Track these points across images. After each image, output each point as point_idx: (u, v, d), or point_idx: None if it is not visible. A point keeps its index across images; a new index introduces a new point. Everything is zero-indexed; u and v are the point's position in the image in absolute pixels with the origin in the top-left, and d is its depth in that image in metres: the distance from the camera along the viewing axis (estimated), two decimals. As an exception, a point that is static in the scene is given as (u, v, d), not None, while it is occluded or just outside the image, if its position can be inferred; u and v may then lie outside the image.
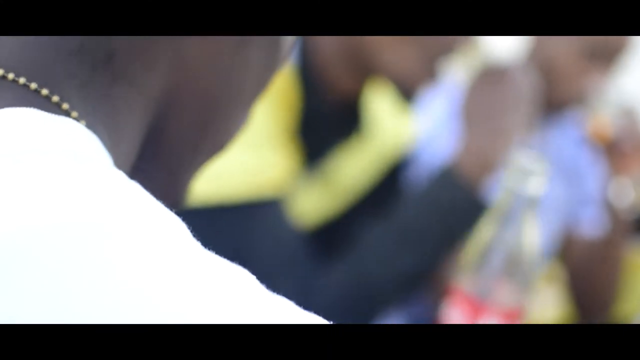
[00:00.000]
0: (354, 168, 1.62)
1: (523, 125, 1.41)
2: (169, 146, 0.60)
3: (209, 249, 1.40)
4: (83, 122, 0.51)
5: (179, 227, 0.44)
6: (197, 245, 0.44)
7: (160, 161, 0.60)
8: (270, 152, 1.42)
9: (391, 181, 1.70)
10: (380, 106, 1.69)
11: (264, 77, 0.62)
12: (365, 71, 1.49)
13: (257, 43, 0.60)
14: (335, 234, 1.61)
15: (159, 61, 0.55)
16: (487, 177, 1.38)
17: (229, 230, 1.39)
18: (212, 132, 0.61)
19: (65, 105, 0.50)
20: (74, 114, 0.51)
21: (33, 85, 0.50)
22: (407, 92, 1.48)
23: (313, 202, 1.57)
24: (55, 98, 0.50)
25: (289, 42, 0.63)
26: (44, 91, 0.50)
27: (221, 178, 1.37)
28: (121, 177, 0.46)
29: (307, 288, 1.40)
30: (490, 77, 1.41)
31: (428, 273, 1.39)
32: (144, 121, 0.57)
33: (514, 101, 1.40)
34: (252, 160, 1.39)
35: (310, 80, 1.51)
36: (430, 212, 1.37)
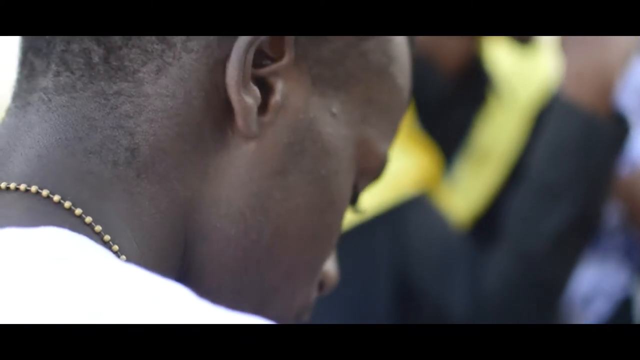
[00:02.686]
0: (499, 135, 1.53)
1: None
2: (208, 275, 0.59)
3: (370, 268, 1.41)
4: (98, 227, 0.53)
5: (181, 299, 0.45)
6: (204, 307, 0.45)
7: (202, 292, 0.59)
8: (399, 155, 1.40)
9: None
10: (504, 59, 1.59)
11: (313, 215, 0.60)
12: None
13: (298, 176, 0.59)
14: (495, 212, 1.52)
15: (188, 165, 0.56)
16: (609, 94, 1.26)
17: (383, 240, 1.39)
18: (257, 269, 0.59)
19: (78, 211, 0.52)
20: (88, 219, 0.52)
21: (45, 192, 0.52)
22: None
23: (470, 188, 1.50)
24: (67, 204, 0.52)
25: (343, 181, 0.61)
26: (56, 197, 0.52)
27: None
28: (111, 265, 0.47)
29: (477, 278, 1.37)
30: None
31: (589, 219, 1.30)
32: (172, 223, 0.56)
33: None
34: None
35: (415, 64, 1.45)
36: (561, 157, 1.27)
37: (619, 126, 1.25)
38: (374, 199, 1.36)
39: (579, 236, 1.32)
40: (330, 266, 0.66)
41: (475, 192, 1.52)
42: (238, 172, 0.57)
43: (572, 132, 1.25)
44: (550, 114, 1.31)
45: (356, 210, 0.65)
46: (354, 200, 0.65)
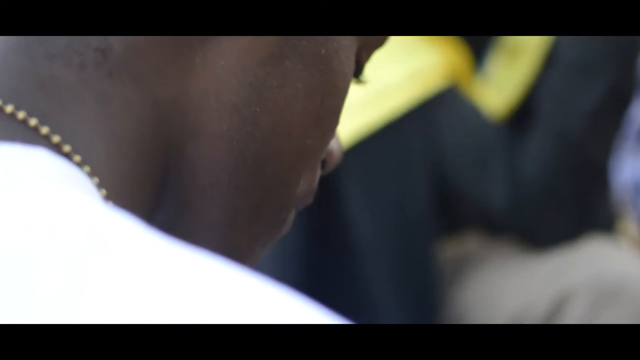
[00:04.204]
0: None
1: None
2: (199, 187, 0.54)
3: (405, 167, 1.39)
4: (57, 137, 0.48)
5: (126, 231, 0.41)
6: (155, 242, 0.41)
7: (193, 212, 0.55)
8: (426, 50, 1.39)
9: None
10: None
11: (314, 99, 0.56)
12: None
13: (296, 59, 0.54)
14: (531, 104, 1.52)
15: (168, 63, 0.51)
16: None
17: (416, 136, 1.39)
18: (256, 162, 0.55)
19: (33, 121, 0.48)
20: (44, 130, 0.48)
21: (9, 109, 0.48)
22: None
23: (504, 81, 1.49)
24: (21, 114, 0.48)
25: (345, 59, 0.57)
26: (9, 108, 0.48)
27: (390, 95, 1.36)
28: (56, 194, 0.43)
29: (515, 166, 1.37)
30: None
31: (624, 94, 1.28)
32: (152, 126, 0.52)
33: None
34: (412, 65, 1.37)
35: None
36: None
37: None
38: (404, 95, 1.36)
39: (615, 112, 1.31)
40: (333, 143, 0.63)
41: (509, 85, 1.50)
42: (228, 63, 0.52)
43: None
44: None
45: (360, 82, 0.62)
46: (357, 72, 0.60)
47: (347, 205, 1.42)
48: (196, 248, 0.54)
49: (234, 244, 0.57)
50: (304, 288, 1.42)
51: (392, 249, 1.44)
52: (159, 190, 0.54)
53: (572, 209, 1.41)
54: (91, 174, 0.49)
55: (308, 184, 0.59)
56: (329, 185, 1.41)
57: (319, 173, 0.61)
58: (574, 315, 1.37)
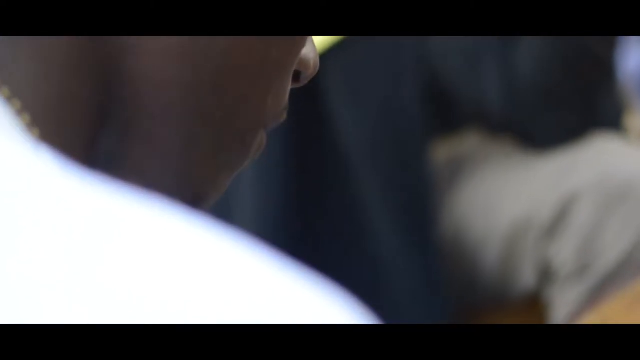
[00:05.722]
0: None
1: None
2: (147, 113, 0.50)
3: (395, 68, 1.37)
4: None
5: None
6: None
7: (141, 143, 0.51)
8: None
9: None
10: None
11: None
12: None
13: None
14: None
15: None
16: None
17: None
18: (213, 80, 0.51)
19: None
20: None
21: None
22: None
23: None
24: None
25: None
26: None
27: None
28: None
29: (509, 62, 1.34)
30: None
31: None
32: (77, 46, 0.47)
33: None
34: None
35: None
36: None
37: None
38: None
39: None
40: (307, 51, 0.58)
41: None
42: None
43: None
44: None
45: None
46: None
47: (331, 110, 1.38)
48: (137, 191, 0.50)
49: (195, 174, 0.53)
50: (289, 204, 1.39)
51: (383, 155, 1.40)
52: (101, 117, 0.50)
53: (574, 105, 1.37)
54: (21, 111, 0.46)
55: (277, 100, 0.55)
56: (310, 91, 1.36)
57: (289, 87, 0.56)
58: (580, 220, 1.33)
